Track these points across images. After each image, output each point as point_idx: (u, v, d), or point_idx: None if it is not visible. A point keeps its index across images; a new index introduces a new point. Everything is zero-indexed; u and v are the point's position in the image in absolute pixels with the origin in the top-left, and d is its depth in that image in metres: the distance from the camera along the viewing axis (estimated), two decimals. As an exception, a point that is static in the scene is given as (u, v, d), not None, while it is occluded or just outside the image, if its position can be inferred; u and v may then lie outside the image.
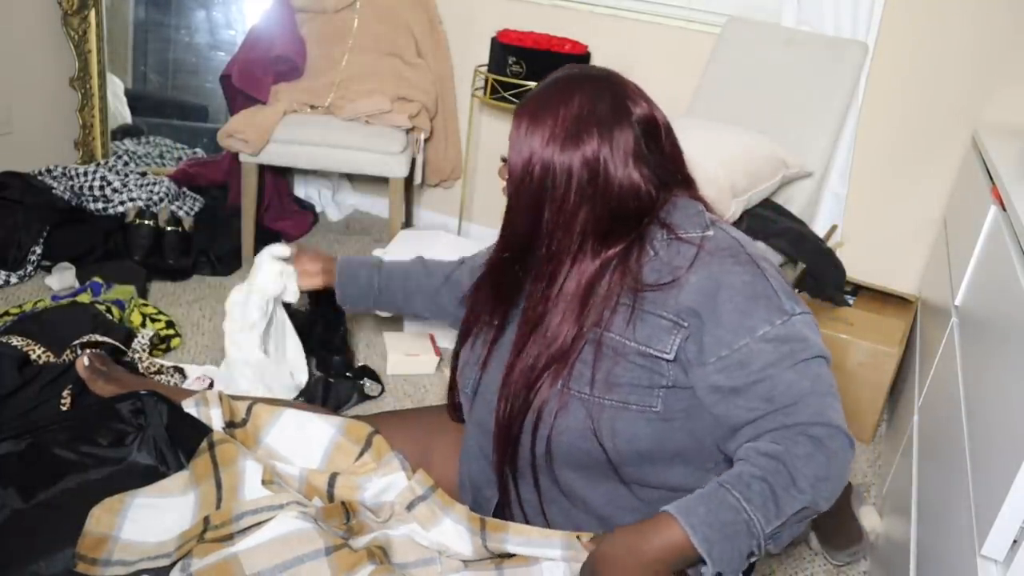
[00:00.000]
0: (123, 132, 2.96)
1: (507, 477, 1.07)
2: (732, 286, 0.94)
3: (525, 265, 1.04)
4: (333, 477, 1.14)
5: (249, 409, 1.23)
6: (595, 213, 0.98)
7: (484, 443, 1.12)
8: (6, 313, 1.95)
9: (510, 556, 1.04)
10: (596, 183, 0.97)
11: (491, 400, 1.08)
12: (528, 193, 0.99)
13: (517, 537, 1.02)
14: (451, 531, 1.06)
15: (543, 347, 1.00)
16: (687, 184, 1.05)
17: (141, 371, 1.72)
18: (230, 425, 1.21)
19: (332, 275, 1.52)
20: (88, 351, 1.57)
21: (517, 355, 1.03)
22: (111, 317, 1.89)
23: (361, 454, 1.18)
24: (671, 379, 0.97)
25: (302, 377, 1.74)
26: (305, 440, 1.19)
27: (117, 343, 1.71)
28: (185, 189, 2.75)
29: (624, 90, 1.00)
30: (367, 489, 1.13)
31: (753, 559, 0.88)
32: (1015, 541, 0.82)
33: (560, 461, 1.02)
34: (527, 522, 1.09)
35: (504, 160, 1.03)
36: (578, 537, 1.01)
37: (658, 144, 1.01)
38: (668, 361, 0.97)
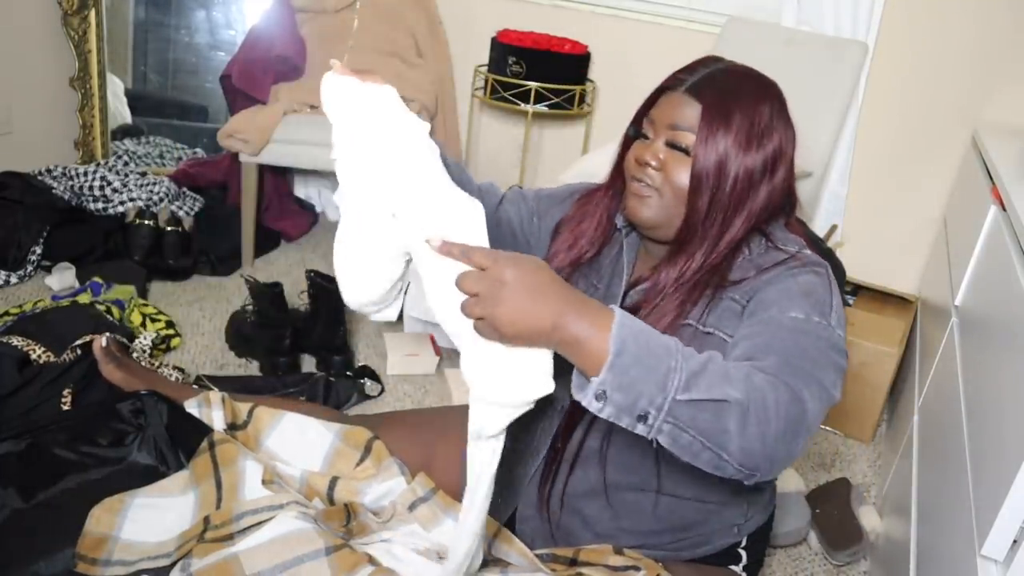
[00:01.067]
0: (123, 132, 2.96)
1: (551, 463, 1.06)
2: (793, 279, 0.94)
3: (679, 251, 1.00)
4: (333, 481, 1.14)
5: (251, 412, 1.23)
6: (749, 218, 0.98)
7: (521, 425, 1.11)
8: (6, 313, 1.95)
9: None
10: (767, 187, 0.98)
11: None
12: (715, 191, 0.96)
13: (521, 559, 1.01)
14: (452, 532, 1.06)
15: (664, 307, 0.99)
16: (793, 203, 1.06)
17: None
18: (232, 427, 1.21)
19: None
20: (108, 334, 1.57)
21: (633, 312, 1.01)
22: (111, 317, 1.89)
23: (361, 460, 1.18)
24: None
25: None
26: (306, 445, 1.19)
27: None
28: (185, 189, 2.75)
29: (785, 102, 1.02)
30: (367, 494, 1.12)
31: (639, 428, 0.78)
32: (1015, 541, 0.82)
33: (612, 458, 1.02)
34: (539, 511, 1.09)
35: (674, 145, 0.97)
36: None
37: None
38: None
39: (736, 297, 0.96)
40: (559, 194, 1.20)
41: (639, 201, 1.00)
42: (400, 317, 2.20)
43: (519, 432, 1.10)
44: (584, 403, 0.78)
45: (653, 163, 0.98)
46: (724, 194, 0.96)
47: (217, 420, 1.20)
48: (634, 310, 1.01)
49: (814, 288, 0.93)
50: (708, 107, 0.95)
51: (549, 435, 1.06)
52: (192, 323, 2.17)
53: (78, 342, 1.59)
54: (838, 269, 1.97)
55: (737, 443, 0.77)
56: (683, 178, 0.96)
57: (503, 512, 1.12)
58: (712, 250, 0.98)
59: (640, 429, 0.77)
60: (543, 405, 1.06)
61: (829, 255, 1.95)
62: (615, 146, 1.11)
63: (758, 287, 0.95)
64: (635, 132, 1.03)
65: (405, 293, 1.05)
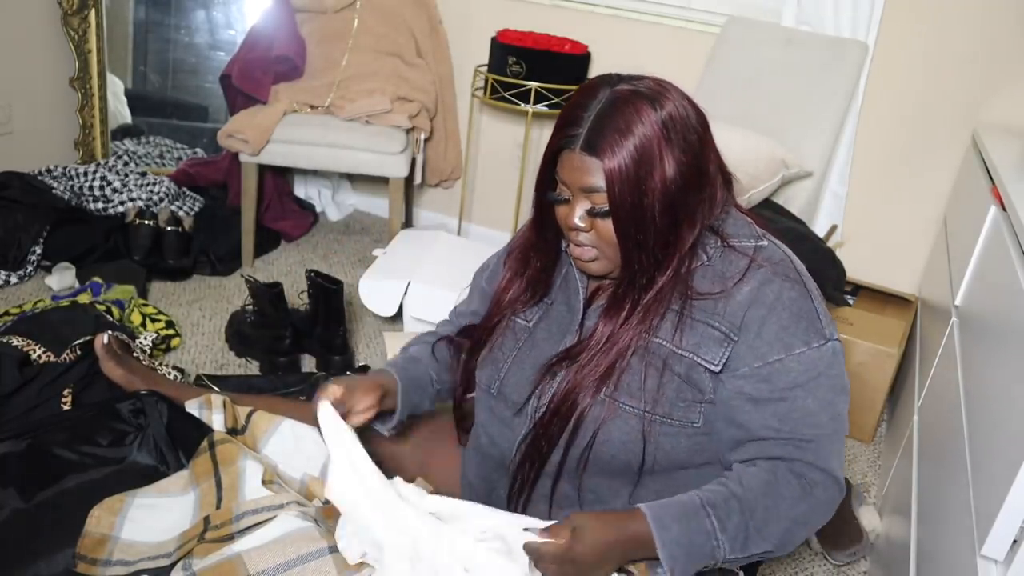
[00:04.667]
0: (123, 132, 2.96)
1: (524, 481, 1.06)
2: (779, 301, 0.95)
3: (632, 275, 0.99)
4: None
5: (248, 416, 1.22)
6: (691, 226, 0.97)
7: (496, 445, 1.11)
8: (6, 313, 1.95)
9: None
10: (701, 190, 0.96)
11: (516, 401, 1.06)
12: (642, 230, 0.94)
13: None
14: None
15: (604, 353, 0.99)
16: (729, 181, 1.04)
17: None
18: (231, 432, 1.20)
19: (393, 396, 1.15)
20: (110, 332, 1.57)
21: (572, 358, 1.01)
22: (111, 317, 1.89)
23: None
24: (711, 393, 0.97)
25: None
26: (303, 455, 1.18)
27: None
28: (185, 189, 2.75)
29: (680, 90, 0.98)
30: None
31: (706, 569, 0.94)
32: (1015, 541, 0.82)
33: (593, 470, 1.01)
34: None
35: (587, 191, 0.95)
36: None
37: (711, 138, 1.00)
38: (712, 373, 0.96)
39: (713, 323, 0.95)
40: (501, 255, 1.22)
41: (584, 261, 1.01)
42: (400, 316, 2.20)
43: (494, 445, 1.11)
44: None
45: (583, 225, 0.97)
46: (650, 234, 0.94)
47: (217, 423, 1.20)
48: (596, 327, 1.00)
49: (799, 305, 0.95)
50: (608, 160, 0.92)
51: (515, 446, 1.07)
52: (192, 323, 2.17)
53: (78, 342, 1.59)
54: (838, 269, 1.97)
55: (776, 552, 0.95)
56: (614, 232, 0.96)
57: None
58: (659, 271, 0.97)
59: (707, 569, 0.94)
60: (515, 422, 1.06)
61: (829, 255, 1.95)
62: None
63: (738, 314, 0.95)
64: (554, 197, 1.00)
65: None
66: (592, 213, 0.96)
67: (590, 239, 0.98)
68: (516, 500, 1.08)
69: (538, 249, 1.10)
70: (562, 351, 1.04)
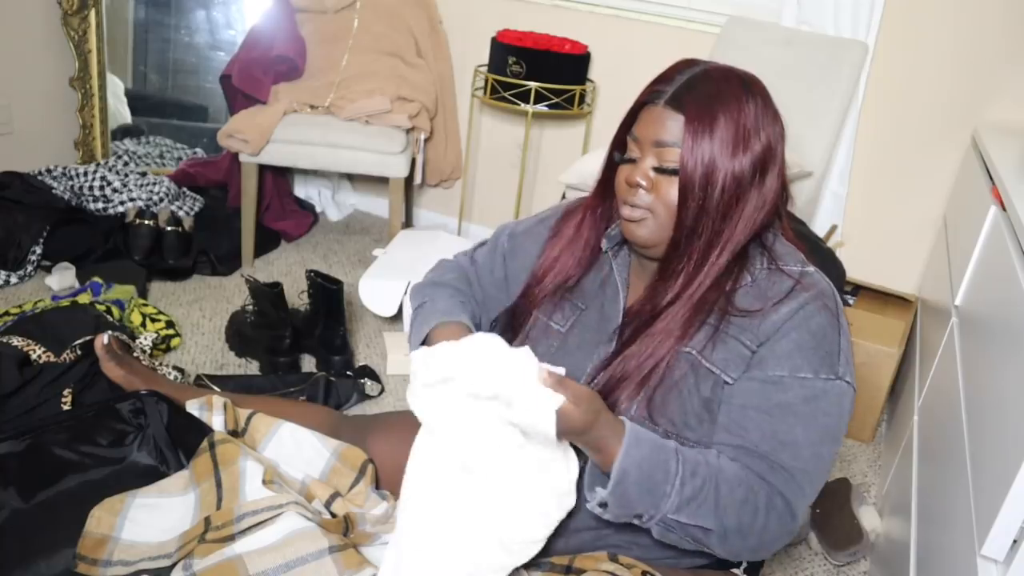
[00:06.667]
0: (123, 132, 2.96)
1: None
2: (807, 323, 0.93)
3: (670, 264, 0.99)
4: (333, 496, 1.13)
5: (248, 419, 1.22)
6: (745, 222, 0.96)
7: None
8: (6, 313, 1.95)
9: None
10: (758, 188, 0.96)
11: None
12: (703, 200, 0.94)
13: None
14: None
15: (642, 355, 0.97)
16: (787, 198, 1.05)
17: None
18: (231, 434, 1.20)
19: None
20: (110, 332, 1.57)
21: (613, 359, 1.00)
22: (111, 317, 1.89)
23: (356, 482, 1.17)
24: None
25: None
26: (302, 460, 1.19)
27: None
28: (185, 189, 2.75)
29: (769, 93, 0.99)
30: (364, 523, 1.12)
31: (633, 521, 0.91)
32: (1015, 541, 0.82)
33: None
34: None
35: (658, 144, 0.95)
36: None
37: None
38: (728, 385, 0.95)
39: (745, 340, 0.95)
40: (532, 225, 1.21)
41: (634, 223, 0.99)
42: (400, 316, 2.20)
43: None
44: (588, 506, 0.91)
45: (644, 183, 0.96)
46: (712, 203, 0.93)
47: (217, 424, 1.20)
48: (634, 334, 0.99)
49: (824, 334, 0.93)
50: (691, 117, 0.92)
51: None
52: (192, 323, 2.17)
53: (78, 342, 1.59)
54: (838, 269, 1.97)
55: (719, 550, 0.92)
56: (674, 195, 0.94)
57: None
58: (708, 260, 0.96)
59: (635, 521, 0.91)
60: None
61: (829, 255, 1.95)
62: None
63: (769, 332, 0.94)
64: (620, 157, 1.00)
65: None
66: (659, 170, 0.95)
67: (647, 201, 0.97)
68: None
69: (595, 215, 1.10)
70: (600, 362, 1.02)
